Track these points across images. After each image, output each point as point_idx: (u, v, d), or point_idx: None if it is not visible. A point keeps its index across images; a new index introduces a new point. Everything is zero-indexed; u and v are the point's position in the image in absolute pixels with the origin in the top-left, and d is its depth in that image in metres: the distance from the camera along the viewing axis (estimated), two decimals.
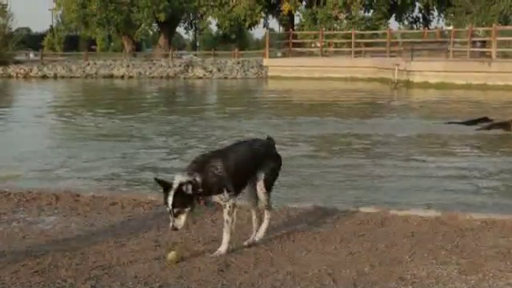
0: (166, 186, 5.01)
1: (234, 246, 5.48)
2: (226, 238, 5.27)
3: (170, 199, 4.97)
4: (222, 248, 5.26)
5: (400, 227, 6.06)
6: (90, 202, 7.06)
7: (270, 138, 5.69)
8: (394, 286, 4.64)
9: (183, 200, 4.98)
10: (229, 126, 17.86)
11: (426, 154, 13.20)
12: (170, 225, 5.03)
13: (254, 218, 5.61)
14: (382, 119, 19.89)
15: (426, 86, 31.04)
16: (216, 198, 5.23)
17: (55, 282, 4.66)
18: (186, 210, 5.01)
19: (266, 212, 5.56)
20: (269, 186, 5.48)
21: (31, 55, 56.32)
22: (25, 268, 4.91)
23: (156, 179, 5.16)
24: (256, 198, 5.52)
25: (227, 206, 5.22)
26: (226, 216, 5.24)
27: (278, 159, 5.58)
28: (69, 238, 5.75)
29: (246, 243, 5.53)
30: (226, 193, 5.18)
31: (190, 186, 4.98)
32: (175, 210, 4.98)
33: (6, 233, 5.89)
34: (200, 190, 5.05)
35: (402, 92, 30.47)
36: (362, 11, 59.90)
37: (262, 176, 5.43)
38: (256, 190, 5.48)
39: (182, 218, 5.02)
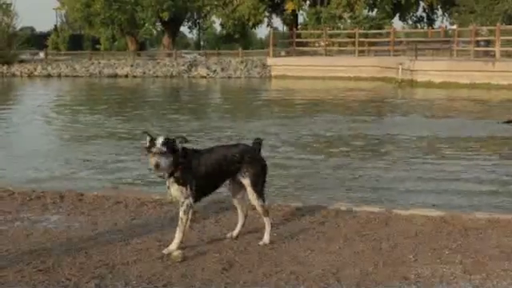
0: (153, 137, 5.18)
1: (237, 244, 5.50)
2: (178, 235, 5.28)
3: (161, 140, 5.11)
4: (173, 245, 5.27)
5: (404, 227, 6.06)
6: (94, 201, 7.07)
7: (256, 141, 5.67)
8: (397, 285, 4.64)
9: (170, 146, 5.10)
10: (233, 125, 17.86)
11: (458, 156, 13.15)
12: (154, 161, 5.07)
13: (239, 214, 5.70)
14: (400, 118, 19.86)
15: (429, 85, 30.97)
16: (178, 192, 5.24)
17: (59, 280, 4.67)
18: (170, 156, 5.09)
19: (264, 219, 5.58)
20: (258, 191, 5.49)
21: (41, 54, 56.16)
22: (29, 267, 4.93)
23: (145, 132, 5.31)
24: (241, 197, 5.61)
25: (185, 203, 5.26)
26: (181, 214, 5.28)
27: (260, 163, 5.56)
28: (73, 236, 5.76)
29: (228, 235, 5.68)
30: (188, 189, 5.22)
31: (177, 141, 5.16)
32: (163, 149, 5.07)
33: (10, 232, 5.91)
34: (181, 160, 5.17)
35: (407, 91, 30.37)
36: (366, 10, 59.89)
37: (247, 182, 5.46)
38: (243, 192, 5.56)
39: (165, 161, 5.08)
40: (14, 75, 44.25)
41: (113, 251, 5.32)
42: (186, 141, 5.23)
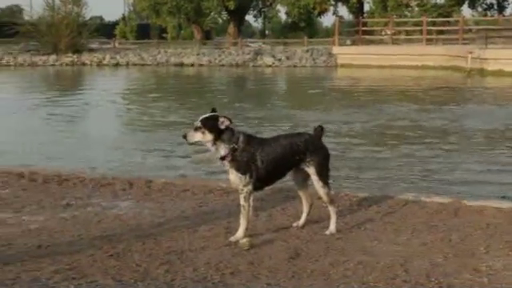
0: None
1: (304, 233, 5.51)
2: (242, 223, 5.32)
3: (204, 116, 5.21)
4: (239, 233, 5.31)
5: (474, 218, 5.94)
6: (162, 188, 7.18)
7: (318, 129, 5.63)
8: (468, 277, 4.56)
9: (207, 123, 5.16)
10: (297, 114, 17.81)
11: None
12: (184, 133, 5.23)
13: (304, 203, 5.71)
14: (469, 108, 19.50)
15: (500, 74, 30.19)
16: (237, 179, 5.26)
17: (130, 265, 4.77)
18: (207, 134, 5.16)
19: (330, 208, 5.59)
20: (323, 179, 5.48)
21: (116, 44, 57.27)
22: (100, 252, 5.04)
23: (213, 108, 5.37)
24: (305, 186, 5.64)
25: (244, 191, 5.27)
26: (242, 201, 5.30)
27: (323, 151, 5.53)
28: (142, 223, 5.87)
29: (294, 224, 5.70)
30: (247, 177, 5.23)
31: (226, 122, 5.17)
32: (198, 124, 5.17)
33: (82, 217, 6.06)
34: (236, 146, 5.19)
35: (477, 80, 29.70)
36: None
37: (312, 171, 5.46)
38: (306, 181, 5.60)
39: (197, 137, 5.17)
40: (83, 64, 45.14)
41: (181, 238, 5.39)
42: (230, 121, 5.22)
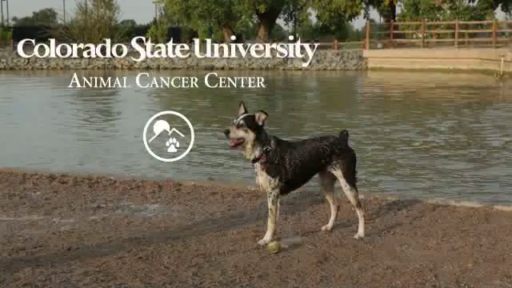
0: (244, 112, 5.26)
1: (333, 237, 5.49)
2: (270, 226, 5.32)
3: (244, 114, 5.19)
4: (267, 236, 5.32)
5: (505, 223, 5.87)
6: (192, 191, 7.21)
7: (343, 133, 5.63)
8: (498, 283, 4.50)
9: (251, 124, 5.15)
10: (327, 118, 17.76)
11: None
12: (226, 129, 5.14)
13: (331, 206, 5.71)
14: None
15: None
16: (266, 181, 5.25)
17: (158, 268, 4.79)
18: (249, 132, 5.14)
19: (357, 211, 5.58)
20: (351, 182, 5.47)
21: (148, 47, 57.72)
22: (129, 254, 5.07)
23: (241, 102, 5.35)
24: (331, 189, 5.64)
25: (272, 194, 5.26)
26: (269, 205, 5.29)
27: (349, 154, 5.53)
28: (171, 226, 5.90)
29: (323, 227, 5.70)
30: (276, 180, 5.23)
31: (263, 116, 5.17)
32: (240, 122, 5.14)
33: (111, 219, 6.10)
34: (269, 148, 5.19)
35: (510, 83, 29.32)
36: (467, 1, 58.24)
37: (339, 173, 5.45)
38: (332, 184, 5.61)
39: (240, 133, 5.14)
40: (115, 67, 45.56)
41: (209, 241, 5.41)
42: (266, 114, 5.21)
